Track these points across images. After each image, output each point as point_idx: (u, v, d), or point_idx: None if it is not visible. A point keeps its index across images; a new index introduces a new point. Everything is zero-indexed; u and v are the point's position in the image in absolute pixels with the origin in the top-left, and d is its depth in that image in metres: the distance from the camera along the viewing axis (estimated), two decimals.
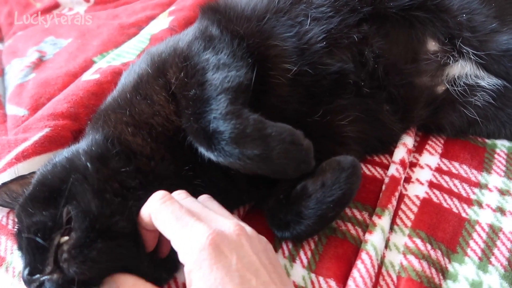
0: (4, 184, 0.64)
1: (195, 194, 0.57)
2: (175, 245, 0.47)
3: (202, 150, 0.56)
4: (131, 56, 0.98)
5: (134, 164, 0.59)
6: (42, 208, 0.53)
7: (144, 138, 0.61)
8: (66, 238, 0.51)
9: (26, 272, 0.52)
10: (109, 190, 0.54)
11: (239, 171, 0.55)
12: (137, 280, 0.50)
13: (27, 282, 0.52)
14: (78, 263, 0.49)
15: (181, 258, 0.46)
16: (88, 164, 0.55)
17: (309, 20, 0.69)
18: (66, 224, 0.52)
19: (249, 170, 0.54)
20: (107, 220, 0.52)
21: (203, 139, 0.55)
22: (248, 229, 0.53)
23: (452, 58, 0.74)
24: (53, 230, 0.51)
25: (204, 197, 0.57)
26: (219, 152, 0.54)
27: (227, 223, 0.49)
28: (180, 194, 0.54)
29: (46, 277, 0.50)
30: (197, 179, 0.61)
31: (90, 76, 0.91)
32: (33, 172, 0.62)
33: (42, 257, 0.50)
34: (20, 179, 0.64)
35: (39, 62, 1.05)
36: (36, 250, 0.51)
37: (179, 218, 0.48)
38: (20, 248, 0.56)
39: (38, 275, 0.51)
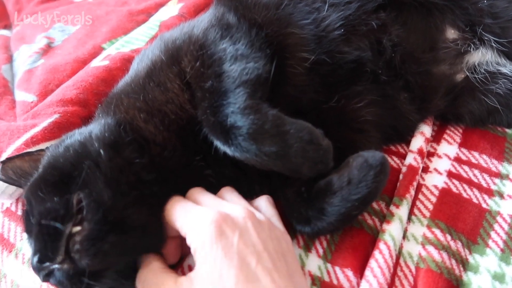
0: (9, 159, 0.62)
1: (205, 184, 0.57)
2: (183, 230, 0.50)
3: (218, 144, 0.55)
4: (140, 43, 0.96)
5: (148, 155, 0.57)
6: (53, 194, 0.52)
7: (156, 126, 0.59)
8: (78, 228, 0.50)
9: (35, 259, 0.51)
10: (124, 181, 0.53)
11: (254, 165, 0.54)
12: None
13: (37, 269, 0.51)
14: (91, 255, 0.48)
15: (188, 240, 0.49)
16: (101, 151, 0.54)
17: (326, 6, 0.67)
18: (77, 213, 0.51)
19: (265, 166, 0.53)
20: (121, 212, 0.51)
21: (220, 133, 0.54)
22: (260, 215, 0.53)
23: (472, 46, 0.72)
24: (65, 218, 0.50)
25: (224, 189, 0.58)
26: (235, 147, 0.53)
27: (237, 207, 0.51)
28: (196, 189, 0.56)
29: (56, 266, 0.49)
30: (207, 169, 0.60)
31: (99, 62, 0.89)
32: (41, 150, 0.60)
33: (53, 245, 0.49)
34: (26, 155, 0.62)
35: (48, 49, 1.04)
36: (47, 237, 0.50)
37: (183, 206, 0.53)
38: (28, 231, 0.54)
39: (48, 263, 0.50)
